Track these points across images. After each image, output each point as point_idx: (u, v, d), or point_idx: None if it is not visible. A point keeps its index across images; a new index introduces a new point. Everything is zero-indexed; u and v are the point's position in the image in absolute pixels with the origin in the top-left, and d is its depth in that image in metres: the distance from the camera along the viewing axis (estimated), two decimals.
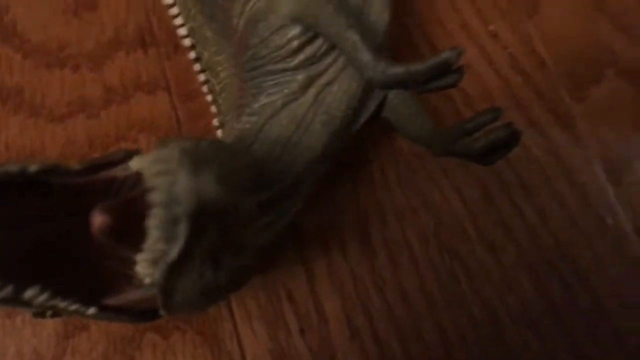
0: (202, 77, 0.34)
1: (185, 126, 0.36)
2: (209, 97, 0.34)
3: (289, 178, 0.28)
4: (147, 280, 0.20)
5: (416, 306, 0.33)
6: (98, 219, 0.19)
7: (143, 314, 0.23)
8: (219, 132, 0.33)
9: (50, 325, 0.32)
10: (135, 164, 0.21)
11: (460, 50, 0.24)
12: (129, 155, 0.22)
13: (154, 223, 0.19)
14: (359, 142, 0.33)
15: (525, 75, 0.38)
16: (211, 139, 0.25)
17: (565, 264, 0.34)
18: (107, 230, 0.19)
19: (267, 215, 0.28)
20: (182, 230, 0.19)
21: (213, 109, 0.34)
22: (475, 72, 0.38)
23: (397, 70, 0.24)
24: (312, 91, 0.29)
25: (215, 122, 0.34)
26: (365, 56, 0.25)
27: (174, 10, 0.34)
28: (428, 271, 0.34)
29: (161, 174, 0.19)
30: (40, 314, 0.24)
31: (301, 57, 0.28)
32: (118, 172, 0.22)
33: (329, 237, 0.34)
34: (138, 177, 0.21)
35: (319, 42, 0.28)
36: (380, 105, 0.30)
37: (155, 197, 0.19)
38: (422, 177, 0.36)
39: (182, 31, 0.34)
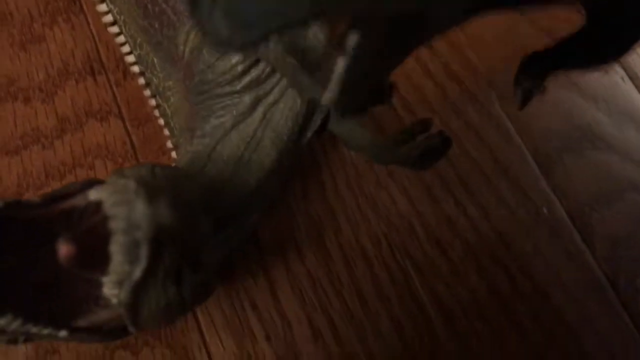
0: (153, 102, 0.35)
1: (140, 150, 0.37)
2: (161, 121, 0.35)
3: (243, 195, 0.30)
4: (114, 301, 0.22)
5: (373, 305, 0.35)
6: (64, 249, 0.20)
7: (112, 332, 0.24)
8: (174, 154, 0.35)
9: (20, 352, 0.32)
10: (94, 194, 0.22)
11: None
12: (87, 184, 0.23)
13: (116, 248, 0.21)
14: (308, 149, 0.35)
15: (459, 81, 0.40)
16: (165, 165, 0.27)
17: (507, 255, 0.37)
18: (72, 258, 0.20)
19: (223, 232, 0.29)
20: (144, 252, 0.21)
21: (166, 131, 0.35)
22: (413, 81, 0.40)
23: None
24: (259, 110, 0.30)
25: (169, 144, 0.35)
26: (303, 79, 0.27)
27: (121, 39, 0.35)
28: (382, 271, 0.36)
29: (120, 203, 0.21)
30: (13, 340, 0.25)
31: (247, 79, 0.30)
32: (78, 201, 0.23)
33: (286, 244, 0.36)
34: (97, 204, 0.22)
35: (263, 64, 0.30)
36: (326, 119, 0.32)
37: (115, 224, 0.21)
38: (370, 180, 0.38)
39: (130, 58, 0.35)
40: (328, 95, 0.22)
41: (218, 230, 0.28)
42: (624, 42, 0.23)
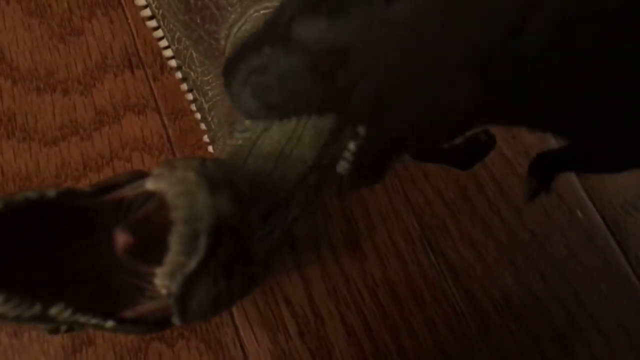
0: (190, 97, 0.36)
1: (177, 143, 0.38)
2: (198, 115, 0.36)
3: (283, 190, 0.30)
4: (164, 292, 0.22)
5: (406, 304, 0.35)
6: (121, 239, 0.21)
7: (157, 323, 0.25)
8: (210, 148, 0.35)
9: (57, 341, 0.33)
10: (152, 185, 0.22)
11: None
12: (135, 176, 0.23)
13: (176, 238, 0.20)
14: None
15: None
16: (211, 158, 0.27)
17: (542, 256, 0.37)
18: (129, 248, 0.21)
19: (266, 226, 0.30)
20: (202, 243, 0.21)
21: (203, 126, 0.35)
22: None
23: None
24: None
25: (205, 138, 0.35)
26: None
27: (159, 33, 0.36)
28: (415, 270, 0.36)
29: (182, 194, 0.21)
30: (54, 330, 0.25)
31: None
32: (127, 192, 0.24)
33: (321, 243, 0.36)
34: (147, 195, 0.22)
35: None
36: None
37: (177, 215, 0.21)
38: (405, 180, 0.38)
39: (168, 53, 0.36)
40: (342, 165, 0.23)
41: (261, 224, 0.28)
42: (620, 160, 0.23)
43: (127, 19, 0.40)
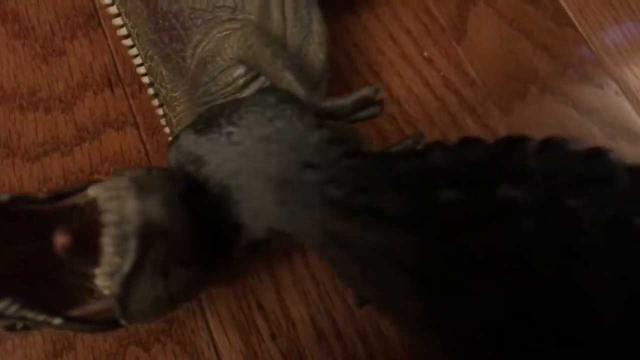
0: (160, 112, 0.38)
1: (154, 157, 0.39)
2: (167, 130, 0.37)
3: None
4: (106, 292, 0.24)
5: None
6: (60, 239, 0.23)
7: (105, 323, 0.26)
8: None
9: (39, 346, 0.34)
10: (91, 191, 0.24)
11: (379, 87, 0.28)
12: (88, 184, 0.25)
13: (107, 240, 0.23)
14: None
15: (458, 95, 0.42)
16: (162, 167, 0.29)
17: None
18: (67, 248, 0.23)
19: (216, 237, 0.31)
20: (132, 245, 0.23)
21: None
22: (414, 94, 0.42)
23: (326, 104, 0.28)
24: None
25: None
26: (299, 92, 0.29)
27: (134, 51, 0.38)
28: None
29: (112, 198, 0.23)
30: (10, 326, 0.26)
31: (248, 92, 0.32)
32: (78, 199, 0.26)
33: (291, 247, 0.37)
34: (94, 202, 0.24)
35: (263, 78, 0.32)
36: None
37: (107, 218, 0.23)
38: None
39: (141, 70, 0.37)
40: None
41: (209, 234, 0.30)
42: None
43: (106, 39, 0.42)
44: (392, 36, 0.44)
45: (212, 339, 0.35)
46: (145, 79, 0.37)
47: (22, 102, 0.40)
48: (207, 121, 0.27)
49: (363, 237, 0.22)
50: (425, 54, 0.43)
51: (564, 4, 0.46)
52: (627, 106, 0.43)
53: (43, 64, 0.42)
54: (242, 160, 0.26)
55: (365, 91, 0.28)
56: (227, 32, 0.33)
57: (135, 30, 0.37)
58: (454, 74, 0.43)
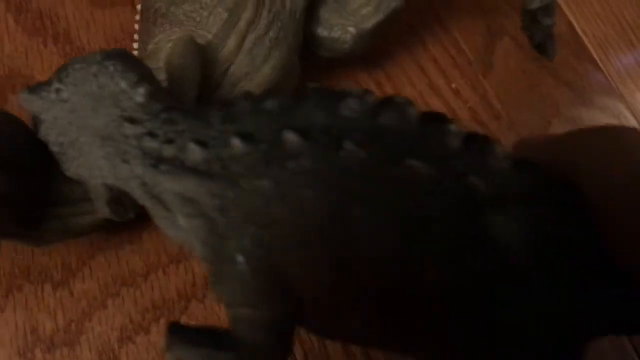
0: None
1: None
2: None
3: None
4: None
5: None
6: None
7: None
8: None
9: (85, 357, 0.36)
10: None
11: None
12: None
13: None
14: None
15: (483, 126, 0.44)
16: None
17: None
18: None
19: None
20: None
21: None
22: None
23: None
24: None
25: None
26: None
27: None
28: None
29: None
30: None
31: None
32: None
33: None
34: None
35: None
36: None
37: None
38: None
39: None
40: None
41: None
42: None
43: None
44: (421, 67, 0.46)
45: None
46: None
47: None
48: (41, 82, 0.28)
49: (171, 187, 0.24)
50: (453, 85, 0.45)
51: (585, 40, 0.48)
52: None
53: None
54: (71, 117, 0.27)
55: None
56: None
57: None
58: (479, 105, 0.45)
